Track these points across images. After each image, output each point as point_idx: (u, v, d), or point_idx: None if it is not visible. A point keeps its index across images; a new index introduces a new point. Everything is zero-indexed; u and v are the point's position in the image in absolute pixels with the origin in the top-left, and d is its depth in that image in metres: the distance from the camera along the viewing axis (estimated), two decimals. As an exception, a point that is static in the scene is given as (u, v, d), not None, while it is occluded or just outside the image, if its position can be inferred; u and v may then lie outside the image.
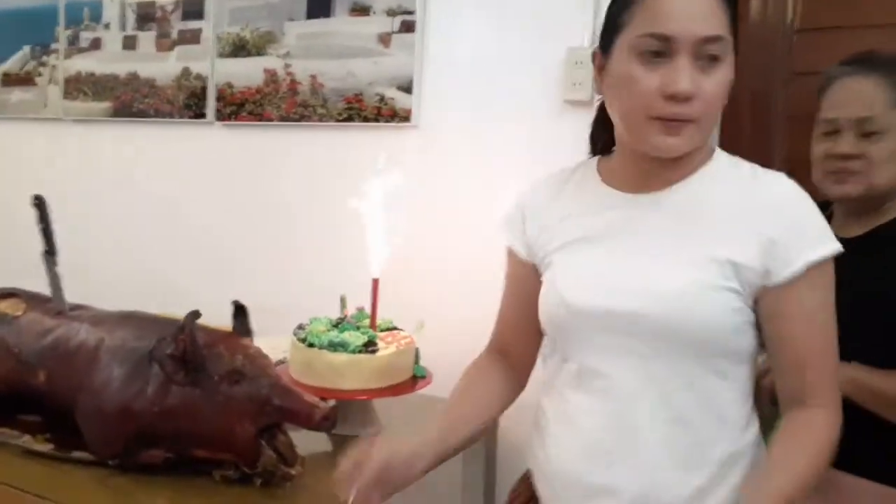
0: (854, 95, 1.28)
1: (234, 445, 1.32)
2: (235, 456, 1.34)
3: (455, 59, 1.97)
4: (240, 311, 1.44)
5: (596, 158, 1.22)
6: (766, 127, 1.73)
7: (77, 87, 2.65)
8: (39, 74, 2.75)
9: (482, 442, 1.82)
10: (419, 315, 1.82)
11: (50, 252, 1.57)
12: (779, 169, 1.08)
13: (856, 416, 1.12)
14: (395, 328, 1.74)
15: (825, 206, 1.35)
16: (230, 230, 2.38)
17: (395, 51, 2.04)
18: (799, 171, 1.14)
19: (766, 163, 1.09)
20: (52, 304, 1.60)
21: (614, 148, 1.16)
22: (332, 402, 1.48)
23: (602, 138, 1.19)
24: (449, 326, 1.89)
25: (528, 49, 1.86)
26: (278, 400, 1.30)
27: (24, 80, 2.77)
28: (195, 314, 1.33)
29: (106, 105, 2.59)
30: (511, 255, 1.27)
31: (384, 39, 2.06)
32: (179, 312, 1.62)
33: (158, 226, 2.52)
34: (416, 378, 1.68)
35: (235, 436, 1.31)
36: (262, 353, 1.39)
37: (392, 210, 1.97)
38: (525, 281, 1.23)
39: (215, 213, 2.41)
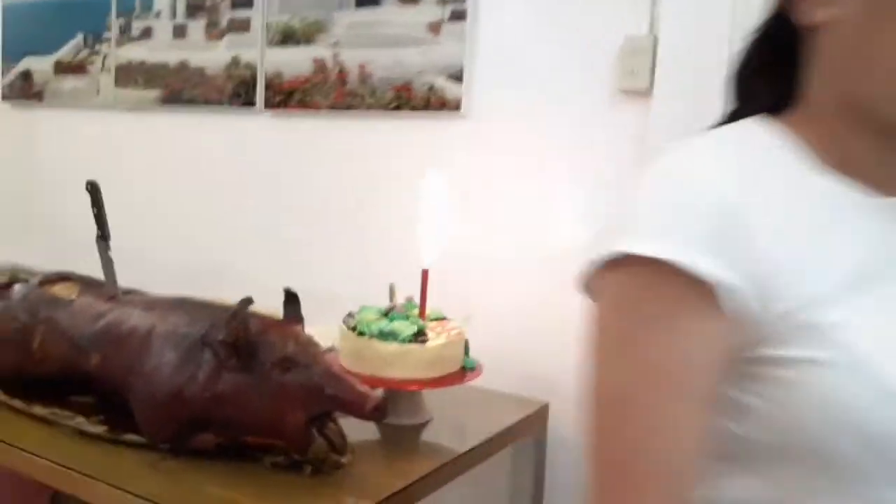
0: None
1: (284, 433, 1.32)
2: (285, 443, 1.34)
3: (506, 48, 1.94)
4: (291, 299, 1.44)
5: (768, 124, 0.75)
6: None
7: (128, 75, 2.68)
8: (92, 63, 2.78)
9: (531, 450, 1.80)
10: (466, 306, 1.80)
11: (103, 237, 1.59)
12: None
13: None
14: (444, 318, 1.72)
15: None
16: (279, 217, 2.39)
17: (444, 39, 2.02)
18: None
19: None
20: (105, 289, 1.62)
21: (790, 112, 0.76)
22: (381, 392, 1.48)
23: (761, 89, 0.80)
24: (497, 319, 1.87)
25: (583, 37, 1.82)
26: (330, 388, 1.30)
27: (76, 68, 2.81)
28: (247, 301, 1.33)
29: (156, 93, 2.61)
30: (705, 299, 0.65)
31: (434, 28, 2.03)
32: (231, 298, 1.63)
33: (209, 212, 2.54)
34: (466, 369, 1.66)
35: (286, 423, 1.31)
36: (314, 341, 1.38)
37: (441, 201, 1.97)
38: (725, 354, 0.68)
39: (264, 200, 2.41)
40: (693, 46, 1.65)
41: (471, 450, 1.53)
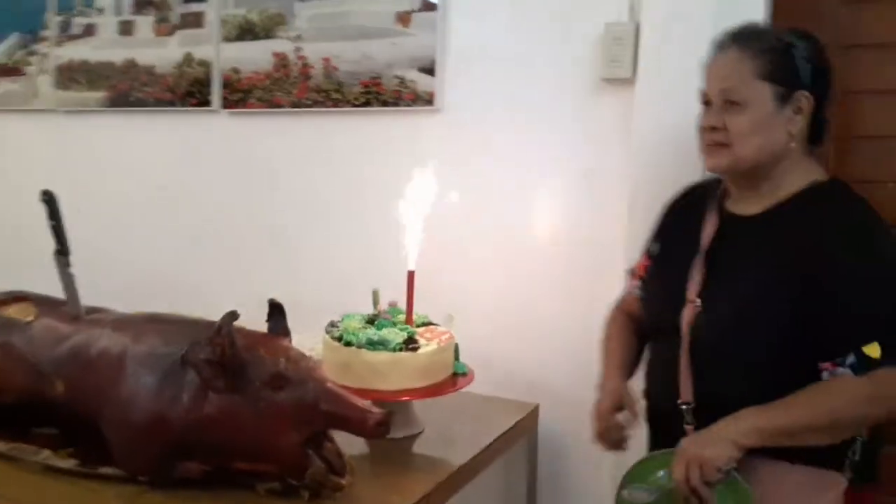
0: (719, 69, 1.28)
1: (278, 456, 1.22)
2: (280, 467, 1.24)
3: (480, 38, 1.87)
4: (276, 310, 1.34)
5: None
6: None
7: (70, 76, 2.51)
8: (29, 64, 2.60)
9: (523, 451, 1.74)
10: (449, 308, 1.73)
11: (62, 252, 1.46)
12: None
13: None
14: (431, 323, 1.64)
15: (720, 182, 1.36)
16: (239, 224, 2.27)
17: (415, 30, 1.93)
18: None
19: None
20: (66, 308, 1.49)
21: None
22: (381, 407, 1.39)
23: None
24: (480, 319, 1.81)
25: (561, 25, 1.76)
26: (326, 406, 1.21)
27: (11, 70, 2.62)
28: (233, 315, 1.22)
29: (101, 94, 2.46)
30: None
31: (403, 19, 1.95)
32: (188, 311, 1.52)
33: (162, 221, 2.40)
34: (456, 375, 1.59)
35: (280, 445, 1.21)
36: (305, 354, 1.29)
37: (416, 199, 1.88)
38: None
39: (223, 206, 2.29)
40: (676, 32, 1.61)
41: (471, 460, 1.46)
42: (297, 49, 2.10)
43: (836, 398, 1.16)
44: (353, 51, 2.01)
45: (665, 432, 1.31)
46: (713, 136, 1.27)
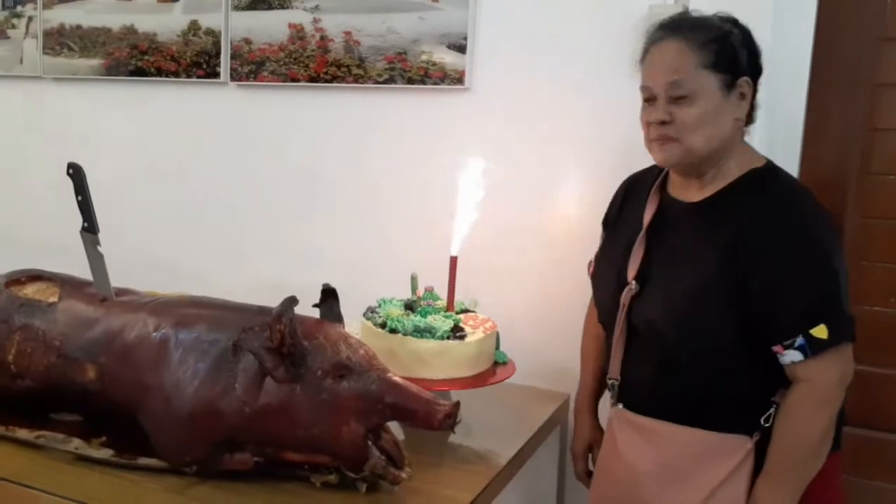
0: (662, 61, 1.25)
1: (338, 448, 1.17)
2: (338, 459, 1.19)
3: (515, 14, 1.81)
4: (329, 295, 1.28)
5: None
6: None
7: (60, 41, 2.37)
8: (13, 27, 2.45)
9: (555, 439, 1.71)
10: (475, 294, 1.69)
11: (90, 229, 1.36)
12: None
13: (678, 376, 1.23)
14: (469, 310, 1.60)
15: (661, 169, 1.34)
16: (246, 204, 2.17)
17: (444, 5, 1.86)
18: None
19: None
20: (91, 289, 1.40)
21: None
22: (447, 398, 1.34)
23: None
24: (507, 305, 1.76)
25: (602, 4, 1.72)
26: (391, 397, 1.15)
27: (-6, 32, 2.47)
28: (292, 300, 1.16)
29: (95, 62, 2.32)
30: None
31: (432, -8, 1.88)
32: (190, 293, 1.44)
33: (161, 200, 2.29)
34: (497, 364, 1.55)
35: (342, 437, 1.16)
36: (362, 342, 1.23)
37: (442, 182, 1.82)
38: None
39: (229, 184, 2.19)
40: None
41: (518, 453, 1.42)
42: (316, 20, 2.01)
43: (800, 426, 1.19)
44: (377, 24, 1.93)
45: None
46: (661, 131, 1.25)
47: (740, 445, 1.22)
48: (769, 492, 1.20)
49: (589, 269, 1.50)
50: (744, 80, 1.24)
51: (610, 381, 1.36)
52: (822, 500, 1.26)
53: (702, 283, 1.21)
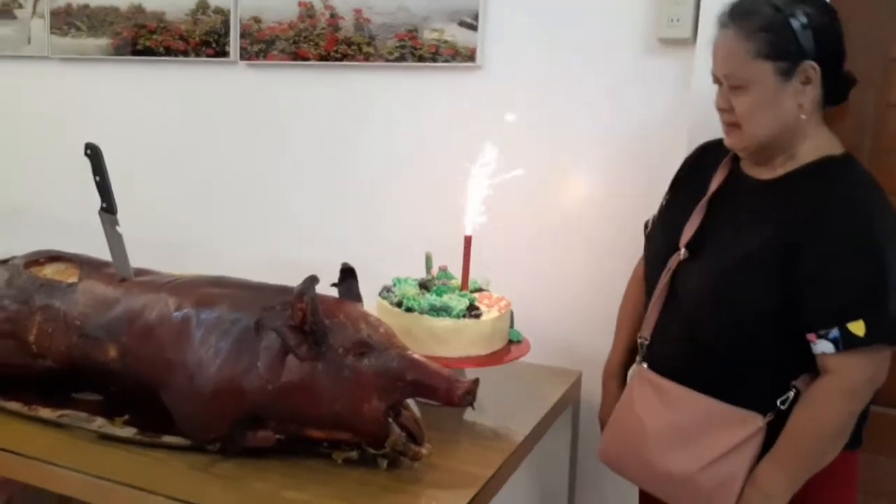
0: (720, 50, 1.26)
1: (360, 424, 1.18)
2: (359, 436, 1.20)
3: (527, -9, 1.80)
4: (348, 274, 1.29)
5: None
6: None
7: (68, 20, 2.36)
8: (20, 6, 2.44)
9: (567, 417, 1.72)
10: (486, 273, 1.70)
11: (109, 210, 1.37)
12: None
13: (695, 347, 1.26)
14: (483, 289, 1.61)
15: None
16: (255, 183, 2.18)
17: (456, -18, 1.85)
18: None
19: None
20: (111, 270, 1.41)
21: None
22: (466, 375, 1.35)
23: None
24: (519, 284, 1.77)
25: (616, -19, 1.71)
26: (411, 374, 1.17)
27: (1, 12, 2.46)
28: (313, 279, 1.17)
29: (103, 42, 2.32)
30: None
31: (443, -31, 1.86)
32: (197, 271, 1.45)
33: (170, 180, 2.29)
34: (511, 342, 1.56)
35: (363, 414, 1.17)
36: (381, 321, 1.24)
37: (454, 161, 1.82)
38: None
39: (238, 164, 2.20)
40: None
41: (533, 430, 1.44)
42: (325, -1, 2.00)
43: (818, 415, 1.19)
44: (387, 2, 1.93)
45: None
46: (725, 118, 1.28)
47: (751, 422, 1.22)
48: (771, 472, 1.21)
49: (646, 229, 1.49)
50: (808, 65, 1.20)
51: (640, 340, 1.38)
52: (836, 497, 1.27)
53: (750, 258, 1.22)
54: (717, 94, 1.29)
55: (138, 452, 1.25)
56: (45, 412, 1.33)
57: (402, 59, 1.93)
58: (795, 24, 1.19)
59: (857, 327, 1.14)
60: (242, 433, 1.22)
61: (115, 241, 1.37)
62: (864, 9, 1.60)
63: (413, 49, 1.91)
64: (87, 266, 1.42)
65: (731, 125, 1.27)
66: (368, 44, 1.96)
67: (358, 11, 1.97)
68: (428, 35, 1.89)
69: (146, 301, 1.31)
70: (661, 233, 1.41)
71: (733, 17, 1.24)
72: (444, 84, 1.91)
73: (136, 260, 1.46)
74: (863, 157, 1.63)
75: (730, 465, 1.23)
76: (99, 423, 1.30)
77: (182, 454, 1.24)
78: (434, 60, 1.89)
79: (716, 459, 1.23)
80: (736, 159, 1.35)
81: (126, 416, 1.30)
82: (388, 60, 1.94)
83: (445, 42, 1.88)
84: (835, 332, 1.15)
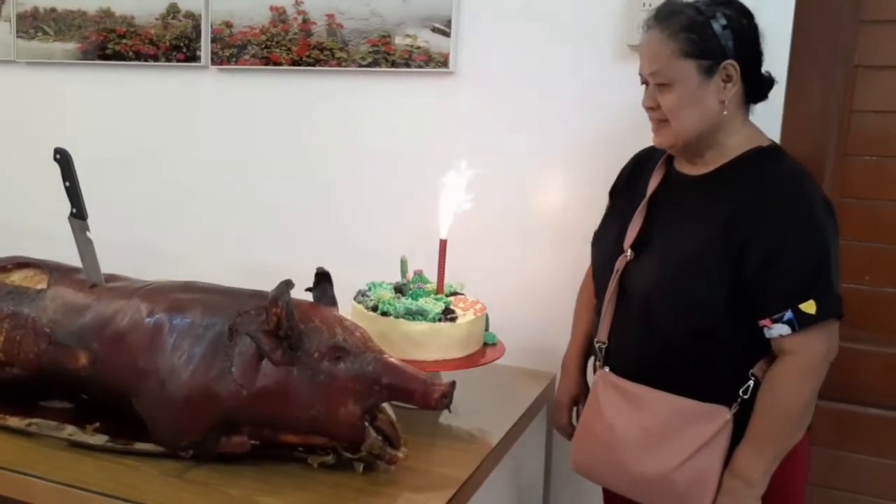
0: (646, 50, 1.32)
1: (336, 429, 1.18)
2: (336, 440, 1.20)
3: (499, -3, 1.82)
4: (323, 279, 1.29)
5: None
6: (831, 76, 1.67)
7: (34, 24, 2.33)
8: (-15, 10, 2.40)
9: (542, 416, 1.73)
10: (461, 277, 1.70)
11: (78, 215, 1.35)
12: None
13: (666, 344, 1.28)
14: (458, 293, 1.61)
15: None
16: (227, 189, 2.16)
17: (428, -12, 1.86)
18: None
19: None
20: (81, 275, 1.39)
21: None
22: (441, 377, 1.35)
23: None
24: (492, 287, 1.78)
25: (586, -12, 1.73)
26: (387, 378, 1.17)
27: (-34, 15, 2.42)
28: (288, 283, 1.16)
29: (71, 46, 2.29)
30: None
31: (415, -25, 1.87)
32: (172, 278, 1.44)
33: (141, 186, 2.27)
34: (486, 345, 1.57)
35: (339, 418, 1.17)
36: (357, 325, 1.24)
37: (428, 166, 1.83)
38: None
39: (210, 169, 2.18)
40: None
41: (509, 431, 1.44)
42: (298, 3, 1.99)
43: (784, 397, 1.24)
44: (360, 7, 1.93)
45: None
46: (653, 115, 1.34)
47: (720, 415, 1.26)
48: (749, 458, 1.24)
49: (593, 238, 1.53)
50: (729, 63, 1.27)
51: (597, 344, 1.40)
52: (790, 475, 1.30)
53: (698, 252, 1.26)
54: (644, 93, 1.35)
55: (110, 460, 1.23)
56: (14, 421, 1.31)
57: (375, 64, 1.93)
58: (716, 25, 1.27)
59: (809, 307, 1.21)
60: (216, 439, 1.21)
61: (85, 246, 1.36)
62: (828, 15, 1.64)
63: (386, 55, 1.92)
64: (56, 272, 1.40)
65: (660, 122, 1.33)
66: (341, 49, 1.96)
67: (330, 17, 1.97)
68: (401, 41, 1.90)
69: (118, 307, 1.29)
70: (605, 238, 1.46)
71: (658, 19, 1.30)
72: (418, 89, 1.91)
73: (107, 266, 1.45)
74: (828, 162, 1.68)
75: (703, 461, 1.26)
76: (69, 430, 1.28)
77: (155, 461, 1.23)
78: (407, 66, 1.90)
79: (689, 457, 1.26)
80: (670, 160, 1.41)
81: (97, 424, 1.28)
82: (360, 66, 1.95)
83: (418, 48, 1.88)
84: (789, 315, 1.21)
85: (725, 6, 1.28)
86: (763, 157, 1.30)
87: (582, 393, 1.54)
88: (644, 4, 1.66)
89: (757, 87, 1.33)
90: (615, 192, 1.52)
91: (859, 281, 1.68)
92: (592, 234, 1.53)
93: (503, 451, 1.42)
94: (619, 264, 1.36)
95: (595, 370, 1.45)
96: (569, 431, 1.53)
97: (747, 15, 1.30)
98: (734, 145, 1.31)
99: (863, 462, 1.69)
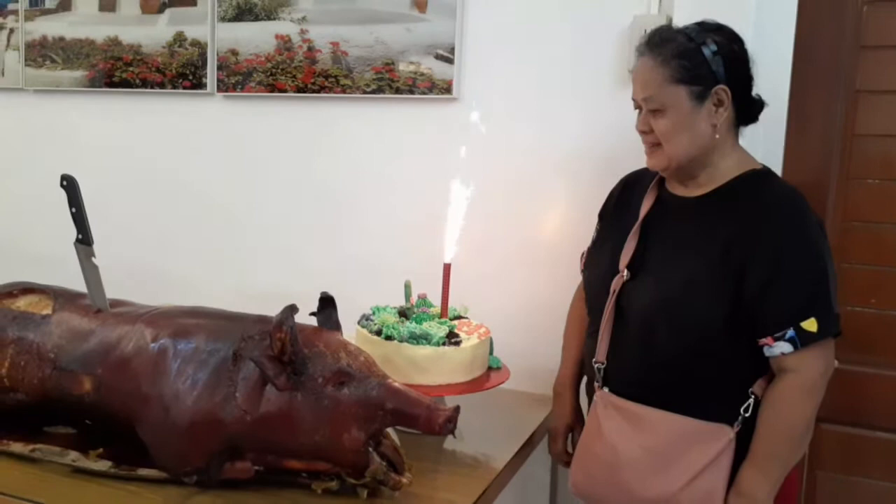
0: (639, 77, 1.34)
1: (340, 454, 1.17)
2: (339, 466, 1.19)
3: (502, 25, 1.83)
4: (327, 303, 1.29)
5: None
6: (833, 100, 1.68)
7: (42, 53, 2.36)
8: (-6, 39, 2.43)
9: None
10: (464, 301, 1.70)
11: (84, 241, 1.36)
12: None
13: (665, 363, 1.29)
14: (462, 316, 1.61)
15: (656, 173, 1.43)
16: (233, 215, 2.17)
17: (432, 16, 1.89)
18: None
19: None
20: (86, 301, 1.40)
21: None
22: (446, 402, 1.35)
23: None
24: (496, 311, 1.77)
25: (587, 15, 1.75)
26: (392, 403, 1.16)
27: (-25, 44, 2.45)
28: (292, 308, 1.16)
29: (79, 74, 2.32)
30: None
31: (419, 3, 1.90)
32: (177, 303, 1.44)
33: (149, 212, 2.28)
34: (491, 369, 1.56)
35: (343, 444, 1.16)
36: (361, 349, 1.24)
37: (431, 191, 1.84)
38: None
39: (216, 195, 2.19)
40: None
41: (514, 457, 1.44)
42: (303, 31, 2.02)
43: (786, 415, 1.25)
44: (364, 36, 1.95)
45: (590, 392, 1.45)
46: (646, 139, 1.36)
47: (723, 434, 1.27)
48: (753, 477, 1.25)
49: (581, 260, 1.54)
50: (720, 88, 1.29)
51: (596, 365, 1.40)
52: (786, 493, 1.31)
53: (698, 272, 1.27)
54: (638, 118, 1.37)
55: (113, 486, 1.23)
56: (17, 447, 1.30)
57: (379, 91, 1.95)
58: (706, 51, 1.29)
59: (811, 324, 1.23)
60: (220, 465, 1.20)
61: (90, 272, 1.36)
62: (829, 41, 1.65)
63: (390, 81, 1.94)
64: (61, 298, 1.40)
65: (653, 146, 1.34)
66: (346, 76, 1.98)
67: (335, 44, 1.99)
68: (405, 67, 1.92)
69: (122, 332, 1.30)
70: (598, 259, 1.46)
71: (650, 46, 1.33)
72: (421, 115, 1.93)
73: (112, 291, 1.45)
74: (831, 186, 1.68)
75: (709, 480, 1.26)
76: (73, 456, 1.27)
77: (158, 487, 1.22)
78: (411, 92, 1.92)
79: (695, 477, 1.26)
80: (661, 182, 1.43)
81: (100, 450, 1.27)
82: (365, 93, 1.96)
83: (422, 74, 1.90)
84: (790, 333, 1.23)
85: (715, 32, 1.31)
86: (759, 180, 1.32)
87: (577, 418, 1.53)
88: (645, 32, 1.67)
89: (748, 109, 1.35)
90: (605, 215, 1.53)
91: (865, 304, 1.68)
92: (581, 259, 1.54)
93: (508, 476, 1.41)
94: (616, 285, 1.36)
95: (588, 393, 1.45)
96: (565, 459, 1.52)
97: (737, 40, 1.32)
98: (726, 167, 1.33)
99: (871, 486, 1.68)
